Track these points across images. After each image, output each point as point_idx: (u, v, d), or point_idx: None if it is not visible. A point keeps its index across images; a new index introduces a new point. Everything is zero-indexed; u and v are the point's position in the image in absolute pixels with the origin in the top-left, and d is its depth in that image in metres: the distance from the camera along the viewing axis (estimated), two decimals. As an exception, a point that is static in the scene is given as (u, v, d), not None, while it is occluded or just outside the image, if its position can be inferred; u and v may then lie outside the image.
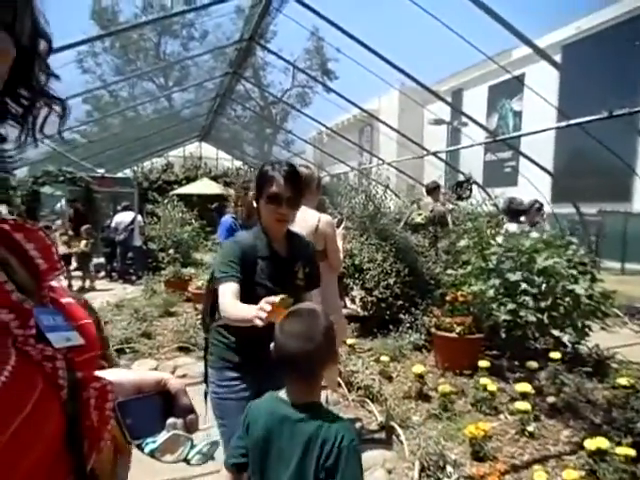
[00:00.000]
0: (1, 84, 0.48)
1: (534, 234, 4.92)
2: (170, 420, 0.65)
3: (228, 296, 1.78)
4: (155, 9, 26.89)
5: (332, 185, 11.65)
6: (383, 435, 3.28)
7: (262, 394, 1.46)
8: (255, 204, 1.99)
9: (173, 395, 0.68)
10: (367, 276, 5.51)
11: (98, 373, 0.57)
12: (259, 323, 1.46)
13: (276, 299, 1.45)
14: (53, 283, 0.57)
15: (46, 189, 11.42)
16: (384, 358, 4.30)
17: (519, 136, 9.89)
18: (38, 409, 0.45)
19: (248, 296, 1.75)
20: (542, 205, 6.00)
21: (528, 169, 9.67)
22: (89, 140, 15.71)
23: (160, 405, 0.67)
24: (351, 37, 6.92)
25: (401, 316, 5.16)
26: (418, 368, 3.86)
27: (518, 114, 17.97)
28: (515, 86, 15.74)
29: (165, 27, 26.76)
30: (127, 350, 4.95)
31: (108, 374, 0.59)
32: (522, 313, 4.17)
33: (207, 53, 20.68)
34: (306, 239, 2.18)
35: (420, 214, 6.46)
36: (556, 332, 4.58)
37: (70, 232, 9.82)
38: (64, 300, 0.58)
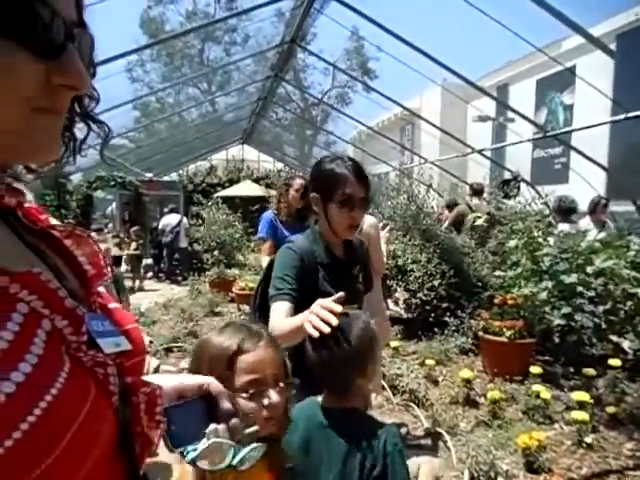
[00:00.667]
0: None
1: (602, 234, 4.56)
2: (211, 427, 0.64)
3: (279, 315, 1.59)
4: (199, 16, 27.70)
5: (374, 185, 11.51)
6: (429, 441, 3.19)
7: None
8: (315, 207, 1.77)
9: (215, 399, 0.66)
10: (411, 277, 5.41)
11: (145, 378, 0.57)
12: (313, 333, 1.23)
13: (334, 305, 1.26)
14: (100, 289, 0.57)
15: (98, 193, 11.96)
16: (429, 361, 4.20)
17: (571, 131, 9.37)
18: (92, 415, 0.45)
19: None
20: (608, 201, 5.64)
21: (580, 165, 9.17)
22: (137, 145, 16.33)
23: (203, 410, 0.66)
24: (392, 34, 6.80)
25: (446, 319, 5.02)
26: (465, 373, 3.74)
27: (569, 108, 17.12)
28: (566, 78, 14.99)
29: (208, 33, 27.44)
30: (175, 349, 5.10)
31: (151, 379, 0.58)
32: (577, 317, 3.95)
33: (249, 57, 21.04)
34: (358, 238, 2.01)
35: (479, 217, 6.23)
36: (615, 338, 4.32)
37: (122, 234, 10.25)
38: (111, 305, 0.58)
